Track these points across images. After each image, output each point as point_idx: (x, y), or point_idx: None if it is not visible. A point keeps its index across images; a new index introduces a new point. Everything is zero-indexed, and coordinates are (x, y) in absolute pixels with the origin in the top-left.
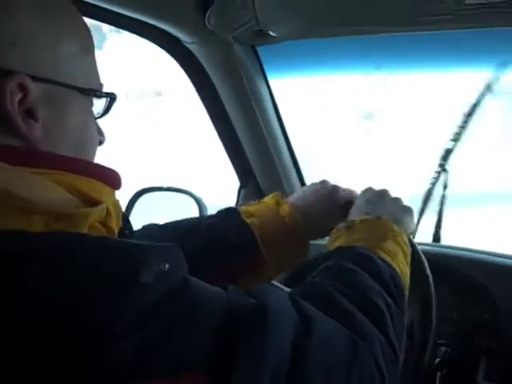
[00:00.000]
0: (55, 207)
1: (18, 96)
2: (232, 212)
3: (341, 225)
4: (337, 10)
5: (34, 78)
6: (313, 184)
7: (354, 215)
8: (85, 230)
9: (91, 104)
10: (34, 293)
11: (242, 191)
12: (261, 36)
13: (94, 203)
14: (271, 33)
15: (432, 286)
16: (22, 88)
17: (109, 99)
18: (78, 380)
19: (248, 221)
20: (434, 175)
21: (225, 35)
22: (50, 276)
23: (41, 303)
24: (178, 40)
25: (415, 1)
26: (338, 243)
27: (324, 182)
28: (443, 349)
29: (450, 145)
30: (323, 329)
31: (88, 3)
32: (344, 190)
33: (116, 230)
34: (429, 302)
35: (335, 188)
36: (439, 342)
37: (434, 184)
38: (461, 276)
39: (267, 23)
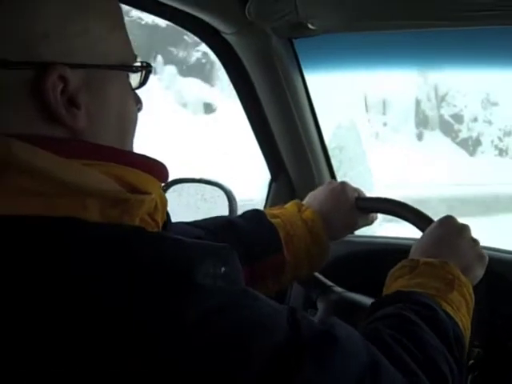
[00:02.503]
0: (108, 193)
1: (60, 87)
2: (258, 213)
3: (404, 262)
4: (382, 1)
5: (72, 66)
6: (321, 187)
7: (421, 250)
8: (137, 221)
9: (128, 78)
10: (83, 283)
11: (273, 185)
12: (299, 28)
13: (142, 194)
14: (310, 26)
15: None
16: (62, 79)
17: (144, 71)
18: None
19: (273, 221)
20: None
21: (263, 26)
22: (101, 267)
23: (88, 295)
24: (216, 30)
25: None
26: (398, 284)
27: (332, 183)
28: (476, 350)
29: None
30: (391, 380)
31: None
32: (351, 186)
33: (161, 224)
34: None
35: (344, 185)
36: (473, 343)
37: None
38: (496, 277)
39: (307, 15)
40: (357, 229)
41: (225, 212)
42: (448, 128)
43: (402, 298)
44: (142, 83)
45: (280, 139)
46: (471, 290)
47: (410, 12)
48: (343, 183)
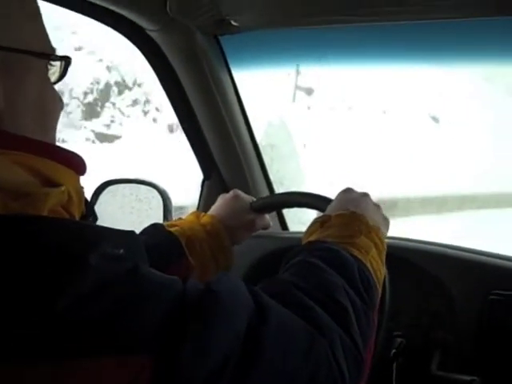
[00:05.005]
0: (14, 185)
1: None
2: (156, 225)
3: (317, 218)
4: None
5: None
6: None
7: (332, 211)
8: (44, 213)
9: (47, 69)
10: None
11: (206, 183)
12: (223, 25)
13: (55, 186)
14: (233, 22)
15: (386, 279)
16: None
17: (64, 63)
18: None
19: (172, 229)
20: None
21: (186, 23)
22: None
23: None
24: (140, 27)
25: None
26: (310, 238)
27: (224, 195)
28: (399, 340)
29: None
30: (280, 319)
31: None
32: (244, 194)
33: (77, 217)
34: (383, 296)
35: (236, 192)
36: (395, 333)
37: None
38: (418, 269)
39: (229, 11)
40: (257, 230)
41: (159, 212)
42: None
43: (307, 247)
44: (62, 76)
45: (210, 138)
46: (380, 235)
47: (330, 6)
48: (235, 191)
